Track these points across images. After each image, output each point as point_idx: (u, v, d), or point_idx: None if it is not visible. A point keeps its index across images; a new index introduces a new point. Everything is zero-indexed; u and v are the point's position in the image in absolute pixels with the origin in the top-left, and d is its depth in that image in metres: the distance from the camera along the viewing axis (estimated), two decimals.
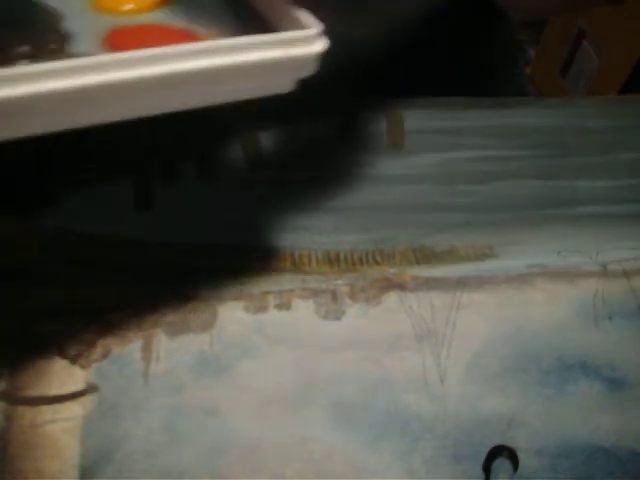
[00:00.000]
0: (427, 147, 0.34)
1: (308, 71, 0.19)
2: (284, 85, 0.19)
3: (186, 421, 0.25)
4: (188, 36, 0.20)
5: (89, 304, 0.27)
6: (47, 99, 0.16)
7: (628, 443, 0.26)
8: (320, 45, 0.18)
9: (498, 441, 0.26)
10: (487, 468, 0.25)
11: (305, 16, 0.19)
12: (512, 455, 0.25)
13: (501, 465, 0.25)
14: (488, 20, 0.43)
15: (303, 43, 0.18)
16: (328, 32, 0.19)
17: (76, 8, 0.21)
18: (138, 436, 0.25)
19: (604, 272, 0.30)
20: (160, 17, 0.21)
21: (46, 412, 0.25)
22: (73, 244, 0.29)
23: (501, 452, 0.25)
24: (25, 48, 0.18)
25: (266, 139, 0.33)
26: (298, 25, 0.19)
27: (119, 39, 0.19)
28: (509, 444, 0.25)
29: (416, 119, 0.35)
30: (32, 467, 0.24)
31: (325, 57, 0.19)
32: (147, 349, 0.26)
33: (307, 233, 0.30)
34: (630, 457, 0.26)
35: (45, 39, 0.19)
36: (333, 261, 0.30)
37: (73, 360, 0.26)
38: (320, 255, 0.30)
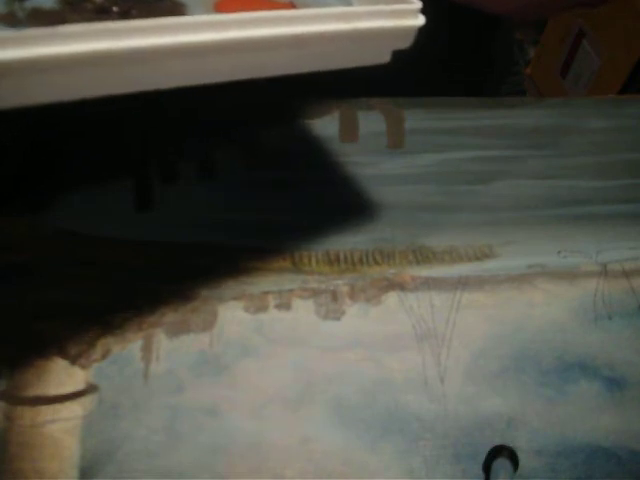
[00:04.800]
0: (427, 147, 0.34)
1: (406, 43, 0.19)
2: (383, 56, 0.19)
3: (186, 421, 0.25)
4: (291, 6, 0.20)
5: (89, 304, 0.27)
6: (170, 52, 0.16)
7: (628, 443, 0.26)
8: (422, 19, 0.18)
9: (498, 441, 0.26)
10: (487, 468, 0.25)
11: None
12: (512, 455, 0.25)
13: (501, 465, 0.25)
14: (488, 20, 0.43)
15: (409, 15, 0.18)
16: None
17: None
18: (138, 436, 0.25)
19: (604, 272, 0.30)
20: None
21: (46, 412, 0.25)
22: (73, 244, 0.29)
23: (501, 452, 0.25)
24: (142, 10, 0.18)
25: (266, 139, 0.33)
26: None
27: (229, 7, 0.20)
28: (509, 444, 0.25)
29: (416, 119, 0.35)
30: (32, 467, 0.24)
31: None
32: (147, 349, 0.26)
33: (307, 233, 0.30)
34: (630, 457, 0.25)
35: (160, 7, 0.19)
36: (333, 261, 0.30)
37: (73, 360, 0.26)
38: (320, 255, 0.30)
